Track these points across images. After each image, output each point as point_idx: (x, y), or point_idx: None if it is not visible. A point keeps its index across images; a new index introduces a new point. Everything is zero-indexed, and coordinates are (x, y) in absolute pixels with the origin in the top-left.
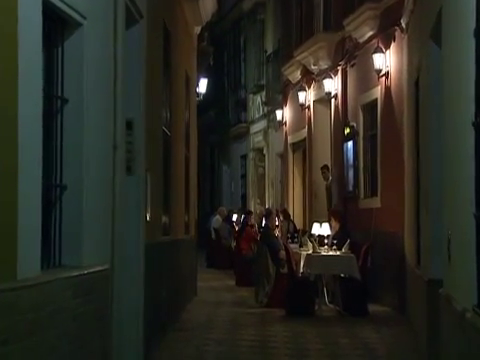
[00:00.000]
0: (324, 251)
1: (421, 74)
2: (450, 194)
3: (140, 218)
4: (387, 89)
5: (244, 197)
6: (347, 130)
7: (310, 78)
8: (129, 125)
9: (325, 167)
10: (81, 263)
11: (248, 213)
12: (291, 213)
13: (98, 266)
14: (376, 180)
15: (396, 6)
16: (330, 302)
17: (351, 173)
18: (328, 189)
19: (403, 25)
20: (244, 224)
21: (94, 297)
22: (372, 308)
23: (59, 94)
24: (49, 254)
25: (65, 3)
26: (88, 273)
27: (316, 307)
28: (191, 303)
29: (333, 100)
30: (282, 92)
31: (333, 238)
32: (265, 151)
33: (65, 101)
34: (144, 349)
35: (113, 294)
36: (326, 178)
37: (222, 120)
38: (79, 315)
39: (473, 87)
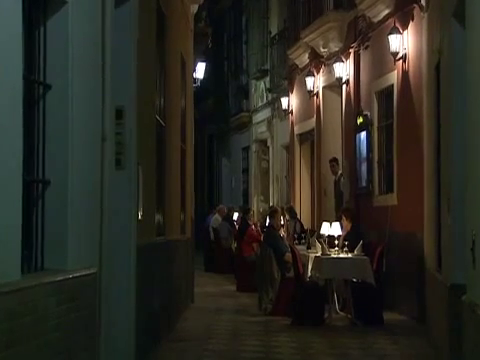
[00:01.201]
0: (334, 253)
1: (442, 57)
2: (474, 190)
3: (131, 217)
4: (404, 74)
5: (246, 194)
6: (360, 119)
7: (319, 62)
8: (119, 114)
9: (334, 160)
10: (66, 266)
11: (246, 211)
12: (298, 211)
13: (84, 270)
14: (392, 175)
15: None
16: (341, 310)
17: (364, 167)
18: (336, 185)
19: (422, 3)
20: (245, 223)
21: (80, 304)
22: (388, 316)
23: (41, 79)
24: (30, 257)
25: None
26: (73, 277)
27: (326, 315)
28: (187, 311)
29: (344, 86)
30: (288, 78)
31: (344, 239)
32: (269, 143)
33: (48, 87)
34: None
35: (101, 301)
36: (335, 172)
37: (222, 109)
38: (63, 324)
39: None
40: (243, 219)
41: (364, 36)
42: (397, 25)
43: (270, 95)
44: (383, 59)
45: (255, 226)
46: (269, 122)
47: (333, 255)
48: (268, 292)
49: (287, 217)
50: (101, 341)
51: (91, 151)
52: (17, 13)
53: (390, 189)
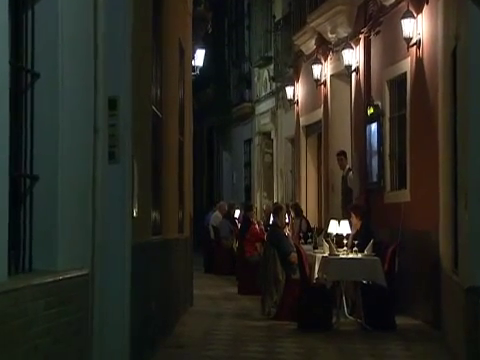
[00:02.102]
0: (343, 253)
1: (459, 43)
2: None
3: (125, 214)
4: (418, 61)
5: (248, 190)
6: (370, 110)
7: (327, 49)
8: (112, 104)
9: (342, 153)
10: (55, 267)
11: (249, 208)
12: (304, 208)
13: (76, 271)
14: (405, 169)
15: None
16: (350, 314)
17: (375, 161)
18: (345, 180)
19: None
20: (248, 222)
21: (71, 307)
22: (400, 321)
23: (29, 67)
24: (17, 257)
25: None
26: (64, 279)
27: (334, 320)
28: (186, 315)
29: (354, 75)
30: (293, 65)
31: (354, 238)
32: (273, 135)
33: (36, 76)
34: None
35: (93, 304)
36: (343, 167)
37: (222, 99)
38: (53, 329)
39: None
40: (245, 217)
41: (375, 20)
42: (411, 8)
43: (274, 84)
44: (395, 45)
45: (258, 225)
46: (273, 113)
47: (341, 255)
48: (272, 295)
49: (292, 215)
50: (94, 347)
51: (82, 144)
52: None
53: (403, 185)
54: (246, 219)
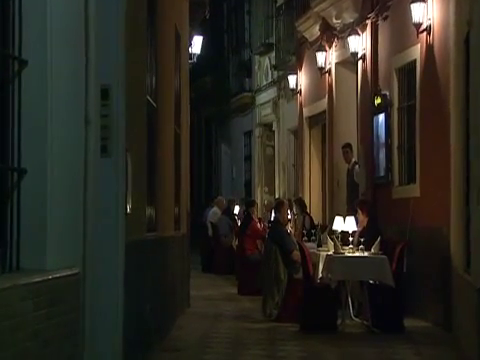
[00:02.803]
0: (349, 251)
1: (472, 29)
2: None
3: (118, 210)
4: (429, 48)
5: (248, 184)
6: (378, 100)
7: (331, 35)
8: (105, 94)
9: (347, 146)
10: (44, 266)
11: (250, 204)
12: (307, 204)
13: (66, 270)
14: (414, 163)
15: None
16: (356, 315)
17: (382, 154)
18: (350, 174)
19: None
20: (248, 217)
21: (61, 308)
22: (409, 323)
23: (16, 54)
24: (4, 255)
25: None
26: (53, 279)
27: (339, 321)
28: (183, 316)
29: (360, 62)
30: (296, 53)
31: (360, 235)
32: (274, 127)
33: (24, 63)
34: None
35: (85, 305)
36: (348, 160)
37: (221, 88)
38: (42, 331)
39: None
40: (246, 214)
41: (383, 5)
42: None
43: (276, 73)
44: (404, 31)
45: (261, 222)
46: (275, 103)
47: (347, 254)
48: (273, 295)
49: (295, 210)
50: (85, 350)
51: (73, 136)
52: None
53: (412, 179)
54: (247, 215)
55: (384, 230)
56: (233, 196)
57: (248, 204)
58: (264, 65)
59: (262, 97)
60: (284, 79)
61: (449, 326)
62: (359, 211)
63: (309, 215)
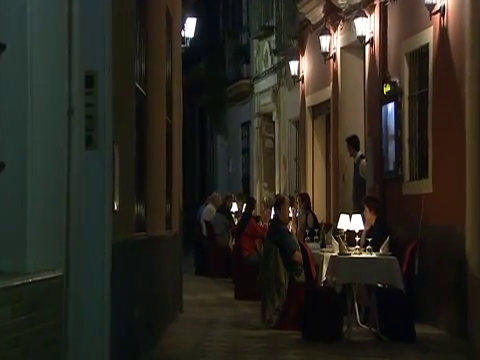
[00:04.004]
0: (355, 252)
1: None
2: None
3: (105, 208)
4: (442, 31)
5: (246, 180)
6: (387, 88)
7: (336, 17)
8: (90, 81)
9: (353, 138)
10: (25, 269)
11: (250, 203)
12: (310, 201)
13: (48, 272)
14: (426, 156)
15: None
16: (363, 322)
17: (392, 147)
18: (356, 169)
19: None
20: (247, 215)
21: (43, 314)
22: (420, 330)
23: None
24: None
25: None
26: (34, 282)
27: (344, 329)
28: (175, 323)
29: (368, 47)
30: (298, 37)
31: (367, 235)
32: (275, 117)
33: (2, 47)
34: None
35: (68, 310)
36: (353, 154)
37: (217, 75)
38: (22, 338)
39: None
40: (246, 214)
41: None
42: None
43: (276, 58)
44: (416, 13)
45: (262, 222)
46: (275, 92)
47: (353, 255)
48: (273, 300)
49: (297, 207)
50: (68, 359)
51: (55, 127)
52: None
53: (424, 174)
54: (247, 216)
55: (393, 229)
56: (230, 192)
57: (248, 203)
58: (263, 50)
59: (261, 85)
60: (285, 65)
61: (464, 333)
62: (366, 208)
63: (312, 213)
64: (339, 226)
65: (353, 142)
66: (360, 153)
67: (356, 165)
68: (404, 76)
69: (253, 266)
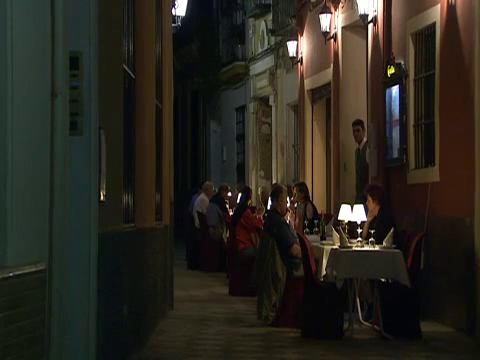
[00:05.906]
0: (357, 245)
1: None
2: None
3: (91, 198)
4: (450, 9)
5: (241, 168)
6: (391, 70)
7: None
8: (74, 62)
9: (359, 123)
10: (4, 262)
11: (246, 193)
12: (310, 191)
13: (29, 266)
14: (433, 142)
15: None
16: (366, 319)
17: (396, 133)
18: (359, 156)
19: None
20: (243, 206)
21: (24, 311)
22: (426, 328)
23: None
24: None
25: None
26: (15, 276)
27: (345, 326)
28: (165, 320)
29: (371, 26)
30: (297, 15)
31: (370, 226)
32: (272, 101)
33: None
34: None
35: (52, 307)
36: (359, 139)
37: (210, 57)
38: (1, 337)
39: None
40: (242, 205)
41: None
42: None
43: (273, 39)
44: None
45: (259, 213)
46: (271, 74)
47: (355, 248)
48: (270, 296)
49: (296, 197)
50: (51, 359)
51: (37, 111)
52: None
53: (430, 161)
54: (243, 207)
55: (398, 220)
56: (223, 182)
57: (244, 193)
58: (259, 30)
59: (257, 67)
60: (283, 46)
61: (472, 331)
62: (369, 198)
63: (311, 203)
64: (340, 217)
65: (362, 125)
66: (365, 139)
67: (361, 152)
68: (409, 57)
69: (248, 259)
